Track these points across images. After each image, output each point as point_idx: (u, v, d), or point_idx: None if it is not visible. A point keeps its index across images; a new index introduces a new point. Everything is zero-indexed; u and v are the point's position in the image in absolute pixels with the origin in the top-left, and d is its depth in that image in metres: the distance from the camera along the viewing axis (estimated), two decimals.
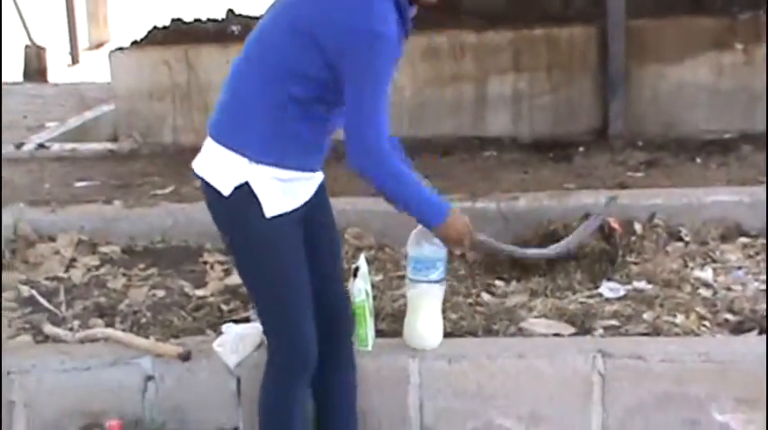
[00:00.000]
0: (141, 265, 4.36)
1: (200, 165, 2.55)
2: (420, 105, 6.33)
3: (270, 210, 2.43)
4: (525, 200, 4.63)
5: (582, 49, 6.31)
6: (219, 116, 2.55)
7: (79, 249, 4.49)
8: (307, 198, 2.57)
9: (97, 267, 4.35)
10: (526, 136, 6.29)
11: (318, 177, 2.67)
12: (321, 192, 2.69)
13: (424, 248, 2.86)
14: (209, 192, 2.52)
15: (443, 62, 6.35)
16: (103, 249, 4.52)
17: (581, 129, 6.25)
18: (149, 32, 7.26)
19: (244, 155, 2.39)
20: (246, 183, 2.40)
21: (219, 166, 2.45)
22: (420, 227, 2.77)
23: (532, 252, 3.55)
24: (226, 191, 2.42)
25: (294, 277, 2.51)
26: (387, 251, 4.29)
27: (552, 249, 3.26)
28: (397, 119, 6.01)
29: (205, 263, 4.35)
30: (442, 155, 5.89)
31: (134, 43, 7.12)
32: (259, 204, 2.43)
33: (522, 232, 4.32)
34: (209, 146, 2.54)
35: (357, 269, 2.93)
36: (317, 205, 2.65)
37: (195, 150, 5.40)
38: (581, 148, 5.95)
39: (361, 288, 2.87)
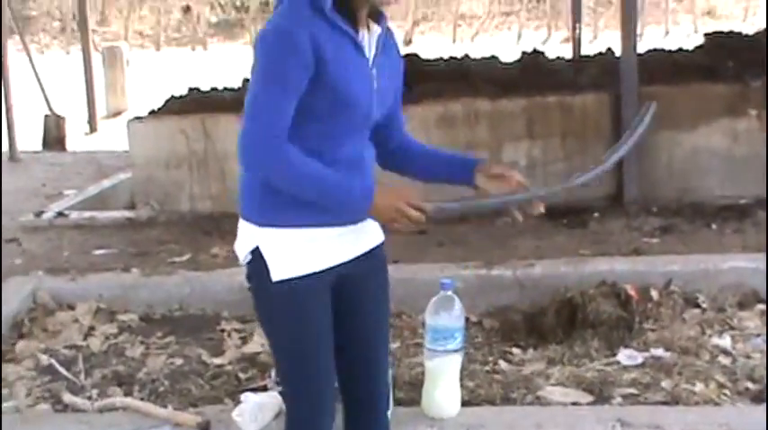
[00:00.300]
0: (159, 333, 4.38)
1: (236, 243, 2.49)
2: None
3: (277, 273, 2.30)
4: (541, 267, 4.65)
5: (595, 116, 6.39)
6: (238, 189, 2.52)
7: (98, 317, 4.52)
8: (339, 259, 2.38)
9: (116, 335, 4.37)
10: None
11: (360, 236, 2.42)
12: (374, 256, 2.47)
13: (443, 318, 2.88)
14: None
15: (458, 129, 6.42)
16: (122, 317, 4.55)
17: (596, 196, 6.26)
18: (167, 102, 7.38)
19: (251, 221, 2.34)
20: (257, 248, 2.32)
21: (240, 236, 2.42)
22: (439, 295, 2.80)
23: (494, 202, 2.42)
24: (242, 258, 2.39)
25: (308, 346, 2.37)
26: (404, 318, 4.28)
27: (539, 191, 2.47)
28: (411, 185, 6.08)
29: (222, 331, 4.36)
30: (457, 222, 5.86)
31: (152, 112, 7.22)
32: (268, 269, 2.31)
33: (538, 300, 4.32)
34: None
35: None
36: (365, 268, 2.44)
37: (211, 218, 5.47)
38: (596, 214, 6.00)
39: None
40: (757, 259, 4.63)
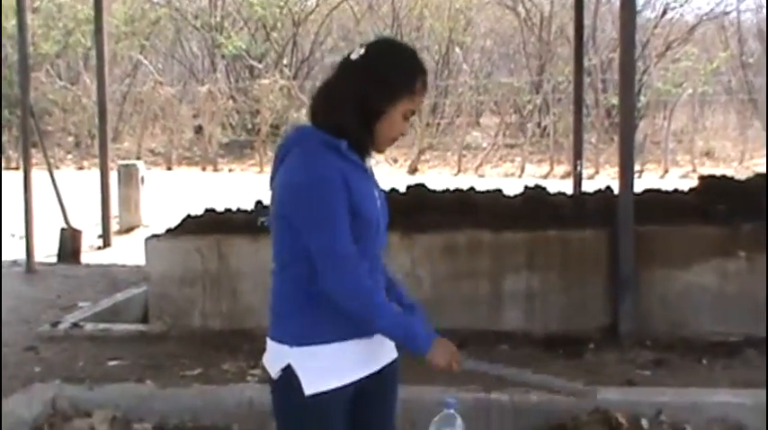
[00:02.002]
0: None
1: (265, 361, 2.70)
2: (438, 299, 6.60)
3: (309, 387, 2.49)
4: (537, 394, 4.82)
5: (593, 251, 6.66)
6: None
7: (113, 426, 4.72)
8: (364, 372, 2.59)
9: None
10: (539, 331, 6.53)
11: (382, 349, 2.64)
12: (392, 369, 2.70)
13: None
14: (270, 382, 2.66)
15: (461, 259, 6.67)
16: (137, 426, 4.74)
17: (592, 327, 6.48)
18: (183, 221, 7.63)
19: (284, 342, 2.54)
20: (289, 366, 2.52)
21: (271, 356, 2.63)
22: (441, 414, 2.98)
23: (518, 374, 3.23)
24: (274, 374, 2.58)
25: None
26: None
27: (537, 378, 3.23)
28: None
29: None
30: (457, 347, 6.06)
31: (168, 231, 7.48)
32: (300, 383, 2.50)
33: (533, 425, 4.50)
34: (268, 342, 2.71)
35: None
36: (382, 380, 2.67)
37: (222, 334, 5.68)
38: (591, 345, 6.18)
39: None
40: (743, 394, 4.84)
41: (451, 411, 3.01)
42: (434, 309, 6.40)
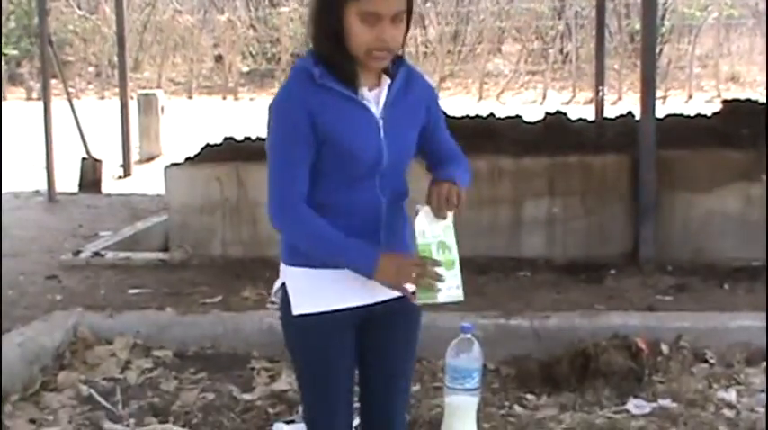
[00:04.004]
0: (192, 369, 4.61)
1: None
2: (458, 226, 6.56)
3: (297, 307, 2.48)
4: (557, 319, 4.84)
5: (614, 177, 6.61)
6: None
7: (134, 352, 4.75)
8: (360, 301, 2.50)
9: (151, 370, 4.60)
10: (559, 258, 6.53)
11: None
12: (400, 309, 2.56)
13: (462, 359, 3.00)
14: None
15: (482, 185, 6.60)
16: (157, 353, 4.77)
17: (612, 253, 6.47)
18: (203, 149, 7.62)
19: (283, 260, 2.54)
20: (283, 284, 2.53)
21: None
22: (459, 338, 2.96)
23: None
24: (273, 291, 2.59)
25: (324, 377, 2.53)
26: (424, 363, 4.44)
27: None
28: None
29: (252, 369, 4.57)
30: (477, 274, 6.11)
31: (188, 159, 7.48)
32: (290, 302, 2.50)
33: (553, 350, 4.50)
34: None
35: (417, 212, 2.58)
36: (392, 312, 2.56)
37: (242, 262, 5.68)
38: (612, 271, 6.19)
39: (424, 230, 2.48)
40: (765, 318, 4.77)
41: (468, 336, 3.00)
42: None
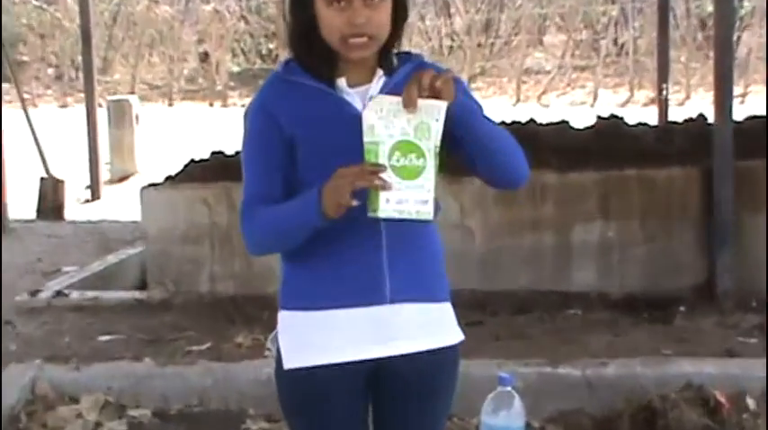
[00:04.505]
0: None
1: None
2: (493, 255, 6.60)
3: (289, 360, 2.47)
4: (615, 366, 4.80)
5: (682, 194, 6.59)
6: None
7: (105, 412, 4.71)
8: (365, 353, 2.46)
9: None
10: (616, 292, 6.48)
11: (396, 328, 2.47)
12: (427, 365, 2.52)
13: (501, 417, 3.00)
14: None
15: (521, 207, 6.62)
16: (133, 412, 4.72)
17: (682, 286, 6.44)
18: (186, 167, 7.63)
19: (279, 303, 2.55)
20: (276, 333, 2.54)
21: None
22: (496, 391, 2.96)
23: None
24: (269, 340, 2.61)
25: None
26: (455, 421, 4.40)
27: None
28: (465, 269, 6.19)
29: (247, 429, 4.54)
30: (517, 312, 6.12)
31: (168, 178, 7.48)
32: (281, 354, 2.50)
33: (611, 404, 4.47)
34: None
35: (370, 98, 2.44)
36: (409, 374, 2.52)
37: (235, 301, 5.67)
38: (682, 308, 6.15)
39: (373, 124, 2.31)
40: None
41: (508, 388, 3.01)
42: (489, 267, 6.57)
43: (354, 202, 2.24)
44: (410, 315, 2.47)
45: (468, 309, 5.44)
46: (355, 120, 2.33)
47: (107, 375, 5.00)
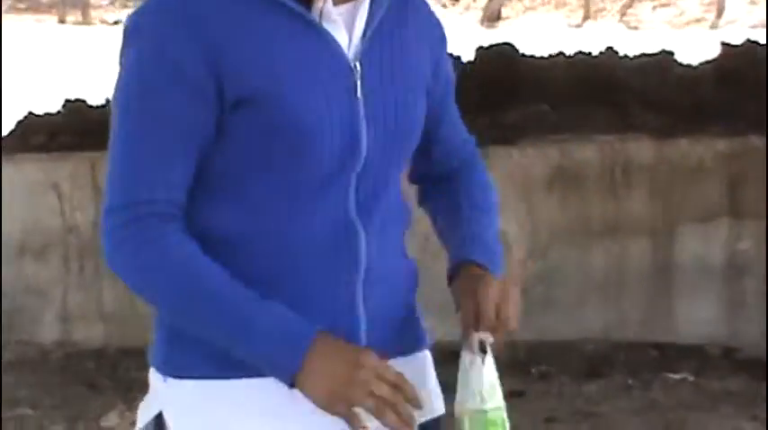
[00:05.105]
0: None
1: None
2: (542, 280, 6.51)
3: None
4: None
5: None
6: None
7: None
8: None
9: None
10: (750, 345, 6.42)
11: None
12: None
13: None
14: None
15: (590, 196, 6.58)
16: None
17: None
18: (20, 124, 7.64)
19: (156, 367, 2.56)
20: (161, 414, 2.54)
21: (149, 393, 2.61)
22: None
23: None
24: (139, 427, 2.60)
25: None
26: None
27: None
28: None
29: None
30: (586, 376, 6.20)
31: None
32: None
33: None
34: None
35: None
36: None
37: (103, 357, 5.54)
38: None
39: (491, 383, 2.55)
40: None
41: None
42: (536, 301, 6.40)
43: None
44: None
45: (505, 369, 5.42)
46: (342, 67, 2.43)
47: None
